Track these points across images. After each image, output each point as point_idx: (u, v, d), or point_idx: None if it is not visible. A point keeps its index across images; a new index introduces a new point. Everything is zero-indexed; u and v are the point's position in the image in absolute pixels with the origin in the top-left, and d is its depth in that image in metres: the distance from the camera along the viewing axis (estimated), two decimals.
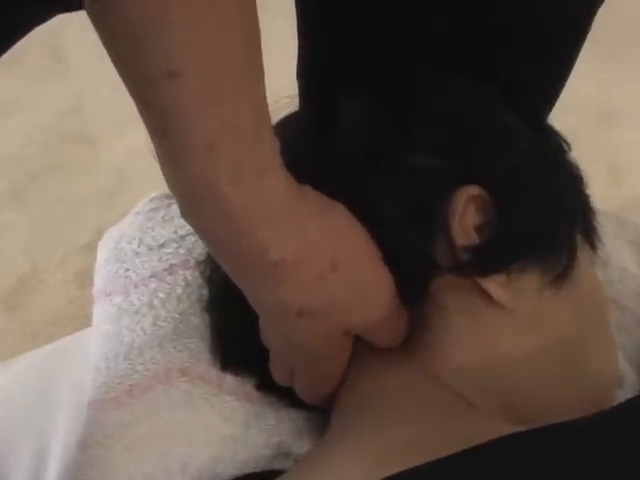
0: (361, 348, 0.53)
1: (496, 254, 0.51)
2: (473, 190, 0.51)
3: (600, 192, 0.61)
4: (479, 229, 0.52)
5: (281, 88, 0.57)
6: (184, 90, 0.41)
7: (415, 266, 0.52)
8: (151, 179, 0.67)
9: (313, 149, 0.55)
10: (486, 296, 0.51)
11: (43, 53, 1.63)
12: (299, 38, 0.60)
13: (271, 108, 0.46)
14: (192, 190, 0.45)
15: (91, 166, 1.47)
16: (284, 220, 0.47)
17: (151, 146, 0.45)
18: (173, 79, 0.41)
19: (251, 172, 0.44)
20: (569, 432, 0.43)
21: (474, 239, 0.51)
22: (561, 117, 0.60)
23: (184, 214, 0.47)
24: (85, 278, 0.69)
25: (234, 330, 0.60)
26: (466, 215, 0.51)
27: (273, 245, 0.46)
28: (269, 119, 0.46)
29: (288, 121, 0.58)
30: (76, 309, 0.67)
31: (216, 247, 0.49)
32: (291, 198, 0.47)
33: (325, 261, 0.48)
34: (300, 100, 0.62)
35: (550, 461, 0.41)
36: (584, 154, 0.59)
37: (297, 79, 0.62)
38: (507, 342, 0.52)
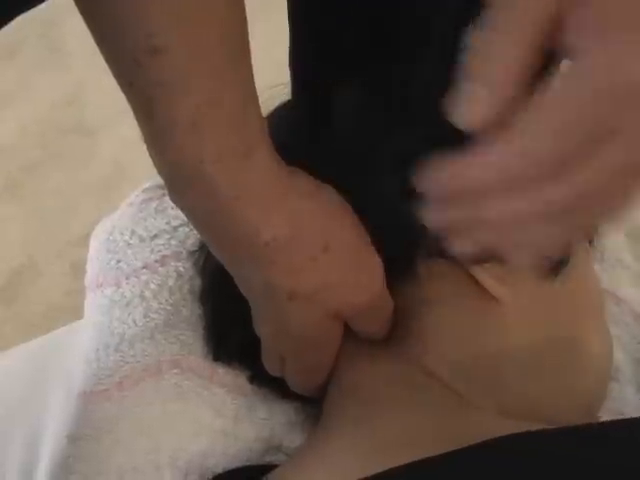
0: (350, 341, 0.53)
1: None
2: None
3: None
4: None
5: (273, 77, 0.56)
6: (168, 66, 0.41)
7: (403, 252, 0.51)
8: (149, 170, 0.67)
9: (306, 138, 0.55)
10: (478, 287, 0.51)
11: (40, 44, 1.62)
12: (290, 25, 0.59)
13: (265, 97, 0.46)
14: (178, 170, 0.44)
15: (88, 157, 1.47)
16: (274, 199, 0.46)
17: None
18: (156, 55, 0.40)
19: (237, 151, 0.44)
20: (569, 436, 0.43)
21: None
22: None
23: (172, 195, 0.47)
24: (82, 270, 0.69)
25: (227, 320, 0.59)
26: None
27: (263, 224, 0.46)
28: (256, 98, 0.45)
29: (281, 109, 0.58)
30: (72, 301, 0.66)
31: (205, 229, 0.48)
32: (280, 177, 0.47)
33: (317, 241, 0.48)
34: (293, 88, 0.61)
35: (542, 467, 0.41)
36: None
37: (289, 67, 0.61)
38: (499, 335, 0.52)
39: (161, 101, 0.42)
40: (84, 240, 0.69)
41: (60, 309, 1.28)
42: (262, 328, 0.53)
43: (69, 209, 1.39)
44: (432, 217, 0.39)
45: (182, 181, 0.45)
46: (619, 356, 0.62)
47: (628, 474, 0.40)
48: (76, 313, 0.69)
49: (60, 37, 1.61)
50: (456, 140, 0.52)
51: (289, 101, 0.59)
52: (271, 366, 0.56)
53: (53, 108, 1.54)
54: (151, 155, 0.45)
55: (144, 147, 0.45)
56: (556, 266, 0.52)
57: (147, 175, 0.68)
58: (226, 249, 0.48)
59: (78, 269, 0.68)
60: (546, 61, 0.35)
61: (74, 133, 1.51)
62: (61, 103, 1.55)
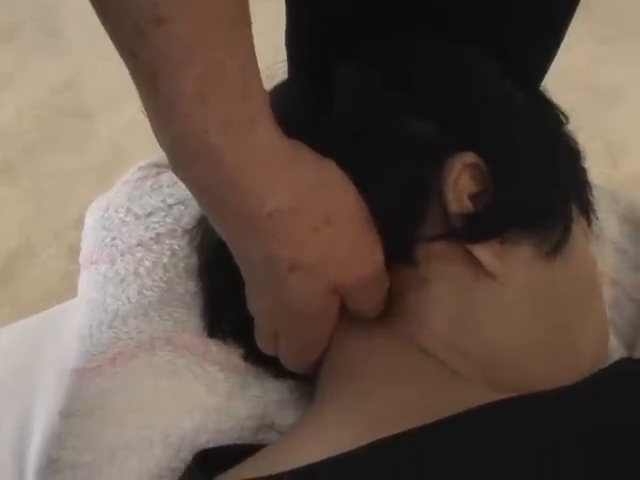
0: (344, 318, 0.53)
1: (489, 222, 0.50)
2: (468, 157, 0.51)
3: (598, 172, 0.61)
4: (473, 197, 0.51)
5: (270, 61, 0.56)
6: (172, 36, 0.41)
7: (401, 229, 0.51)
8: (146, 153, 0.67)
9: (307, 114, 0.54)
10: (477, 266, 0.50)
11: (38, 28, 1.62)
12: (287, 5, 0.59)
13: (263, 75, 0.46)
14: (182, 142, 0.44)
15: (86, 140, 1.47)
16: (277, 171, 0.46)
17: (141, 105, 0.44)
18: (161, 25, 0.40)
19: (241, 122, 0.44)
20: (545, 403, 0.43)
21: (468, 206, 0.50)
22: (560, 96, 0.60)
23: (174, 168, 0.47)
24: (78, 253, 0.69)
25: (223, 297, 0.59)
26: (460, 182, 0.50)
27: (267, 195, 0.46)
28: (258, 71, 0.45)
29: (280, 88, 0.58)
30: (69, 283, 0.66)
31: (208, 201, 0.48)
32: (283, 149, 0.47)
33: (319, 214, 0.48)
34: (290, 67, 0.61)
35: (523, 431, 0.41)
36: (582, 134, 0.59)
37: (286, 46, 0.61)
38: (494, 313, 0.51)
39: (166, 72, 0.42)
40: (81, 223, 0.69)
41: (57, 291, 1.28)
42: (259, 303, 0.52)
43: (66, 192, 1.40)
44: None
45: (186, 153, 0.45)
46: (613, 339, 0.62)
47: (601, 433, 0.40)
48: (73, 295, 0.69)
49: (58, 21, 1.61)
50: (459, 110, 0.52)
51: (288, 79, 0.59)
52: (265, 344, 0.55)
53: (51, 92, 1.54)
54: (154, 128, 0.45)
55: (141, 130, 0.45)
56: (554, 246, 0.52)
57: (144, 158, 0.68)
58: (228, 221, 0.48)
59: (75, 252, 0.68)
60: None
61: (71, 116, 1.51)
62: (59, 87, 1.55)
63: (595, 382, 0.48)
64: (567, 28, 0.61)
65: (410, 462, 0.42)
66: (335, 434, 0.47)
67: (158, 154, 0.67)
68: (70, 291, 0.68)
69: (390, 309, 0.53)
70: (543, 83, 0.63)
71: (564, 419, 0.43)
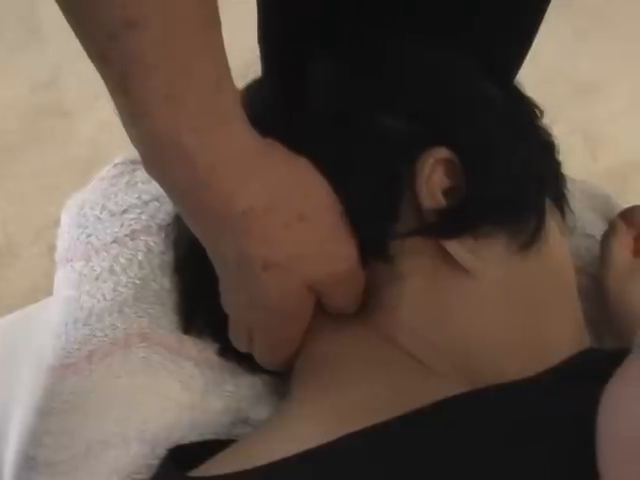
0: (318, 316, 0.53)
1: (463, 217, 0.51)
2: (442, 152, 0.51)
3: (576, 166, 0.61)
4: (447, 192, 0.51)
5: (241, 53, 0.56)
6: (143, 39, 0.41)
7: (375, 225, 0.51)
8: (126, 151, 0.67)
9: (279, 111, 0.55)
10: (450, 261, 0.51)
11: (19, 26, 1.62)
12: (258, 2, 0.59)
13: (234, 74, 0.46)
14: (154, 142, 0.44)
15: (66, 139, 1.46)
16: (250, 169, 0.46)
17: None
18: (132, 29, 0.40)
19: (212, 121, 0.44)
20: (511, 394, 0.44)
21: (441, 202, 0.50)
22: (539, 89, 0.60)
23: (147, 167, 0.47)
24: None
25: (198, 293, 0.59)
26: (433, 177, 0.51)
27: (241, 193, 0.46)
28: (229, 70, 0.45)
29: (252, 86, 0.58)
30: (51, 283, 0.66)
31: (181, 200, 0.48)
32: (256, 147, 0.47)
33: (292, 211, 0.48)
34: (262, 64, 0.61)
35: (487, 424, 0.42)
36: (561, 127, 0.59)
37: (258, 43, 0.61)
38: (468, 308, 0.52)
39: (136, 75, 0.42)
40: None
41: (38, 290, 1.28)
42: (233, 300, 0.53)
43: (47, 190, 1.39)
44: None
45: (159, 153, 0.45)
46: (587, 332, 0.62)
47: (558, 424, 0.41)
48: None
49: (39, 19, 1.60)
50: (432, 105, 0.53)
51: (260, 78, 0.59)
52: (239, 342, 0.56)
53: (32, 90, 1.54)
54: (126, 128, 0.45)
55: (122, 129, 0.45)
56: (529, 240, 0.52)
57: (125, 156, 0.68)
58: (202, 220, 0.48)
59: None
60: None
61: (53, 115, 1.51)
62: (40, 85, 1.54)
63: (557, 373, 0.48)
64: (541, 21, 0.61)
65: (376, 456, 0.42)
66: (301, 429, 0.47)
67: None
68: (52, 290, 0.68)
69: (365, 304, 0.53)
70: (520, 77, 0.63)
71: (521, 408, 0.43)
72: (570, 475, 0.39)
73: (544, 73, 0.63)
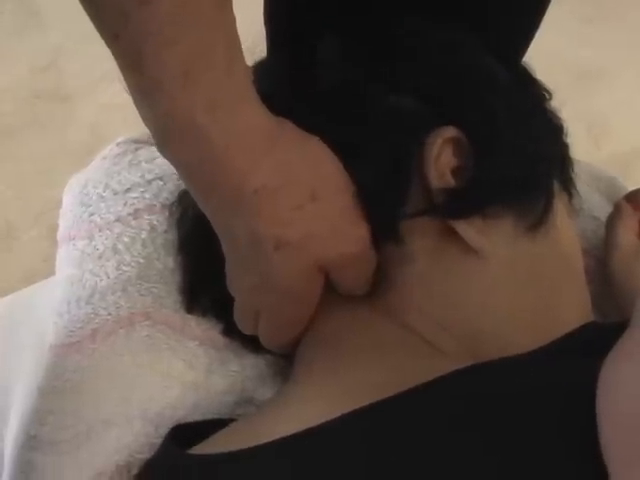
0: (326, 297, 0.52)
1: (471, 197, 0.50)
2: (450, 132, 0.50)
3: (580, 153, 0.61)
4: (455, 172, 0.51)
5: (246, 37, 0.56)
6: (156, 17, 0.41)
7: (385, 205, 0.51)
8: (126, 135, 0.66)
9: (289, 90, 0.54)
10: (459, 241, 0.50)
11: (18, 9, 1.61)
12: None
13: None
14: (168, 122, 0.44)
15: (66, 122, 1.46)
16: (263, 148, 0.46)
17: (123, 86, 0.44)
18: (145, 5, 0.40)
19: (227, 101, 0.44)
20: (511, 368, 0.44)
21: (449, 181, 0.50)
22: (543, 77, 0.60)
23: (160, 147, 0.47)
24: None
25: (202, 273, 0.59)
26: (442, 157, 0.50)
27: (253, 172, 0.46)
28: (241, 49, 0.45)
29: (260, 66, 0.57)
30: (50, 266, 0.66)
31: (194, 179, 0.48)
32: (269, 126, 0.47)
33: (304, 190, 0.48)
34: (269, 45, 0.61)
35: (488, 398, 0.42)
36: (564, 115, 0.58)
37: (265, 24, 0.61)
38: (477, 288, 0.51)
39: (150, 52, 0.41)
40: (61, 204, 0.69)
41: (38, 274, 1.27)
42: (241, 281, 0.52)
43: (46, 174, 1.39)
44: None
45: (173, 132, 0.45)
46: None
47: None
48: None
49: (37, 3, 1.59)
50: (441, 84, 0.52)
51: (265, 59, 0.59)
52: (244, 323, 0.55)
53: (31, 73, 1.53)
54: (139, 108, 0.45)
55: (121, 112, 0.45)
56: (536, 221, 0.52)
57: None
58: (213, 199, 0.48)
59: (55, 233, 0.68)
60: None
61: (52, 98, 1.50)
62: (39, 68, 1.54)
63: (555, 346, 0.49)
64: (546, 9, 0.61)
65: (366, 435, 0.42)
66: (303, 409, 0.47)
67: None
68: (51, 273, 0.68)
69: (374, 286, 0.52)
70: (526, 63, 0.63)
71: (516, 381, 0.43)
72: (562, 444, 0.39)
73: (548, 61, 0.62)
